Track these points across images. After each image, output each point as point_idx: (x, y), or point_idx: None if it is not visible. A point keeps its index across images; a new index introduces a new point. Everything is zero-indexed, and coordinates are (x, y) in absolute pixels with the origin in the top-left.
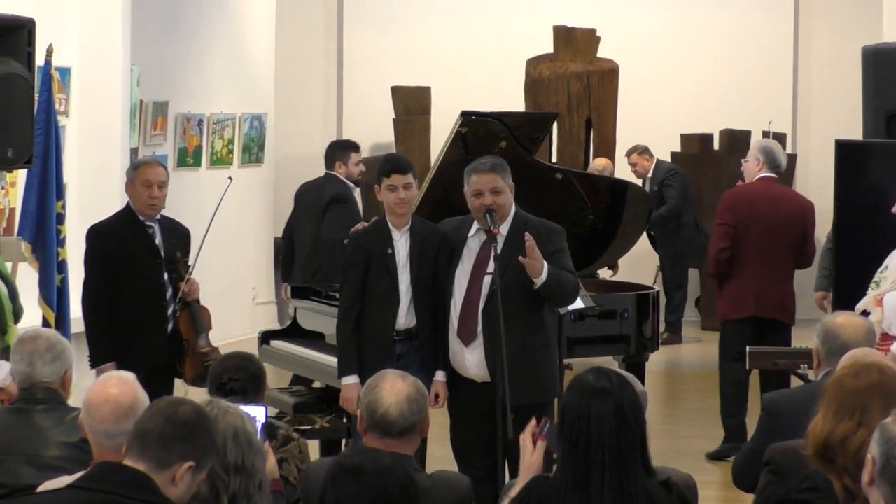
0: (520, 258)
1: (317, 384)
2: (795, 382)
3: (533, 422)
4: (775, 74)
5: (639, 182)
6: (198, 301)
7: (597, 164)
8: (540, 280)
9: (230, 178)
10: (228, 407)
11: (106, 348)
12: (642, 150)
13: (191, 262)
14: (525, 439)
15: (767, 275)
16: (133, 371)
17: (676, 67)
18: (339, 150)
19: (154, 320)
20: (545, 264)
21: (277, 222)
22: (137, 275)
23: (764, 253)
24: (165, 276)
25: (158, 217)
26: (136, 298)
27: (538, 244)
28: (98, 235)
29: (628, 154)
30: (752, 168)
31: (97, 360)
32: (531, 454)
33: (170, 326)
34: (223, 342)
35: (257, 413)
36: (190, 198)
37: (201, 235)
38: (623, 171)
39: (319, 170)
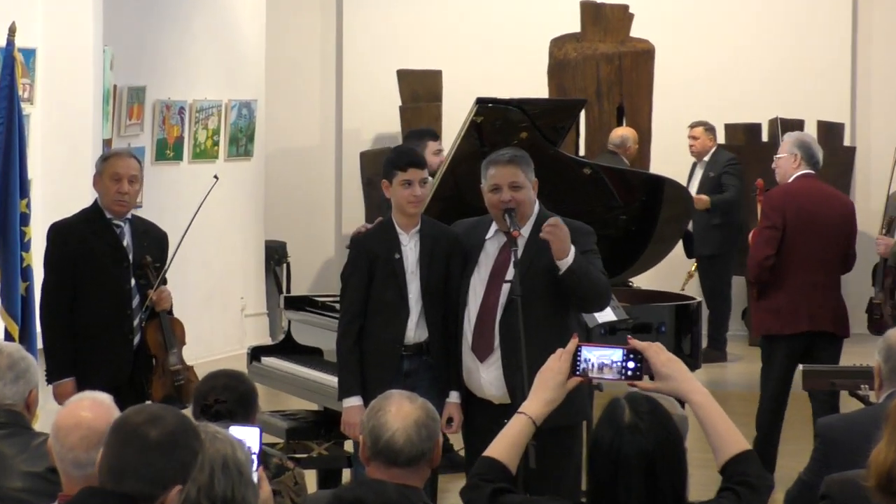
0: (541, 234)
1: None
2: (847, 405)
3: (574, 341)
4: (831, 55)
5: (687, 162)
6: (169, 311)
7: (615, 136)
8: (565, 262)
9: (216, 177)
10: (217, 432)
11: (65, 361)
12: (710, 128)
13: (166, 268)
14: (556, 355)
15: (819, 284)
16: (94, 388)
17: (719, 48)
18: (415, 138)
19: (117, 331)
20: (572, 247)
21: (269, 223)
22: (100, 278)
23: (814, 259)
24: (133, 281)
25: (129, 216)
26: (97, 305)
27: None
28: (59, 233)
29: (693, 126)
30: (789, 165)
31: (54, 375)
32: (554, 370)
33: (136, 339)
34: (208, 359)
35: (251, 436)
36: (170, 196)
37: (176, 232)
38: (659, 162)
39: (316, 164)
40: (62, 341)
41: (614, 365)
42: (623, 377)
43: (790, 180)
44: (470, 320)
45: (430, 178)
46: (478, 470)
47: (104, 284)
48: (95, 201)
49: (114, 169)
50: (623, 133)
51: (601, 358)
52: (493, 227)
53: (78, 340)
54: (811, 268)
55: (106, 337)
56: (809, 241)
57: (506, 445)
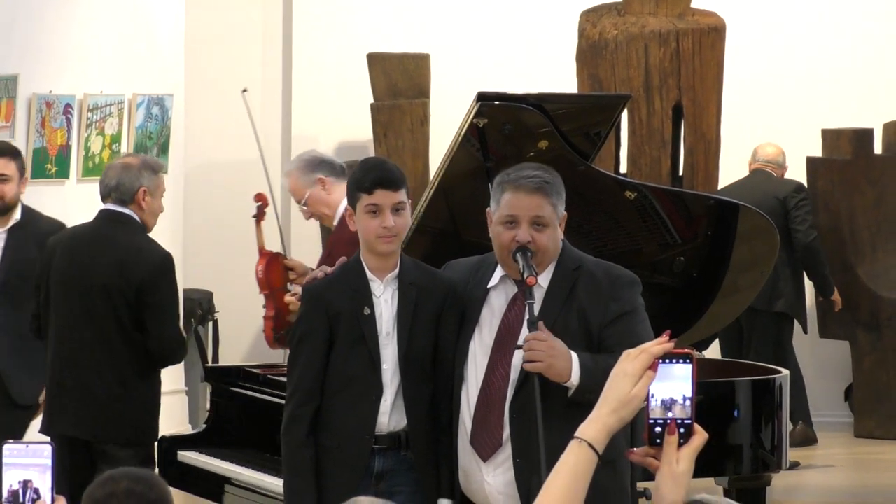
0: (525, 365)
1: None
2: None
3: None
4: None
5: None
6: None
7: (771, 152)
8: (571, 383)
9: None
10: None
11: None
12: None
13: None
14: (634, 352)
15: None
16: None
17: (817, 26)
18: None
19: None
20: (574, 358)
21: (189, 266)
22: None
23: None
24: None
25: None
26: None
27: (595, 301)
28: None
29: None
30: None
31: None
32: (626, 374)
33: None
34: None
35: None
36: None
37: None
38: (729, 181)
39: (254, 183)
40: None
41: (686, 403)
42: (681, 427)
43: None
44: (469, 402)
45: (407, 203)
46: None
47: None
48: None
49: None
50: (778, 149)
51: (670, 391)
52: (499, 271)
53: None
54: None
55: None
56: None
57: (561, 486)
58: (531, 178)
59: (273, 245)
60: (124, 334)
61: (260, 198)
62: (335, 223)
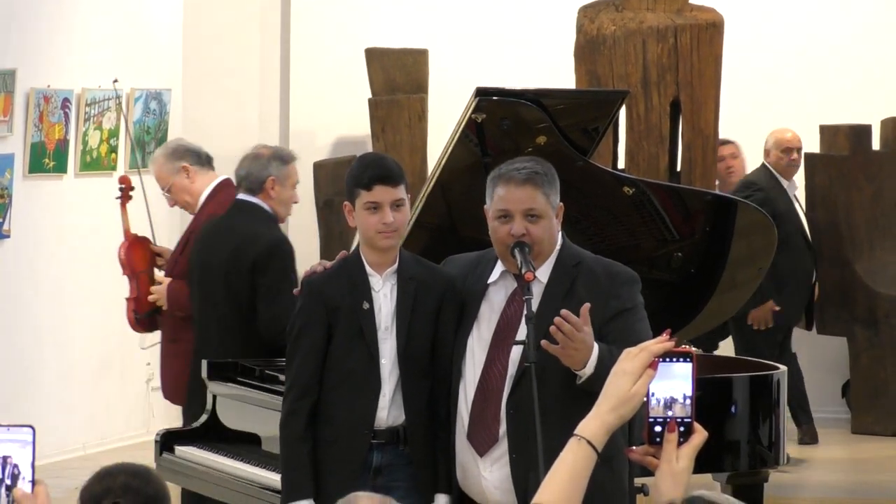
0: (543, 342)
1: None
2: None
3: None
4: None
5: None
6: None
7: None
8: (584, 372)
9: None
10: None
11: None
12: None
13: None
14: (634, 350)
15: None
16: None
17: (814, 21)
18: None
19: None
20: (595, 348)
21: None
22: None
23: None
24: None
25: None
26: None
27: (595, 298)
28: None
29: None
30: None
31: None
32: (626, 372)
33: None
34: (102, 448)
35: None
36: (49, 221)
37: (57, 271)
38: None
39: None
40: None
41: (686, 402)
42: (681, 425)
43: None
44: (466, 397)
45: (406, 199)
46: None
47: None
48: None
49: None
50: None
51: (670, 390)
52: (499, 266)
53: None
54: None
55: None
56: None
57: (559, 484)
58: (521, 171)
59: None
60: (242, 320)
61: (123, 181)
62: (196, 211)
